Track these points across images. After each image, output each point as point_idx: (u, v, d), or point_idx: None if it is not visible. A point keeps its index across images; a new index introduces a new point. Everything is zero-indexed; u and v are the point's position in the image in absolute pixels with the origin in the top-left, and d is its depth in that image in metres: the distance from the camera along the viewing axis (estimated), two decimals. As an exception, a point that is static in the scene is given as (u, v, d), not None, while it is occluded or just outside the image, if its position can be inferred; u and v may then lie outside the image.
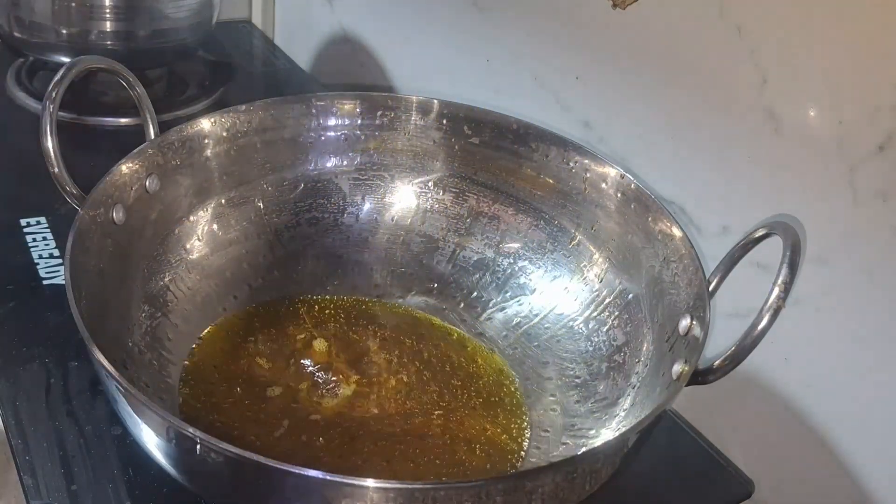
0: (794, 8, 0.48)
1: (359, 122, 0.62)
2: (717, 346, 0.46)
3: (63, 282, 0.43)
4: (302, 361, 0.54)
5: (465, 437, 0.50)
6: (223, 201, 0.58)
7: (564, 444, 0.50)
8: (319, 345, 0.55)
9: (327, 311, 0.59)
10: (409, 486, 0.36)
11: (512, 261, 0.60)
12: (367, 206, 0.63)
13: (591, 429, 0.50)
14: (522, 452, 0.50)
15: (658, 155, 0.59)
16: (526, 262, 0.59)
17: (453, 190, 0.62)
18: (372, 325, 0.58)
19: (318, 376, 0.53)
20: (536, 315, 0.58)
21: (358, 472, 0.47)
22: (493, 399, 0.53)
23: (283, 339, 0.56)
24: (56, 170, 0.49)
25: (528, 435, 0.51)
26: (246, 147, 0.59)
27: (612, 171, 0.55)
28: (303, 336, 0.56)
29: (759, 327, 0.41)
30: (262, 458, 0.34)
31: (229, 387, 0.52)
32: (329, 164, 0.62)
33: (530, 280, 0.59)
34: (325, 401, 0.51)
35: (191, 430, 0.35)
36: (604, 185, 0.56)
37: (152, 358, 0.50)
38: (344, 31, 0.94)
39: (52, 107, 0.48)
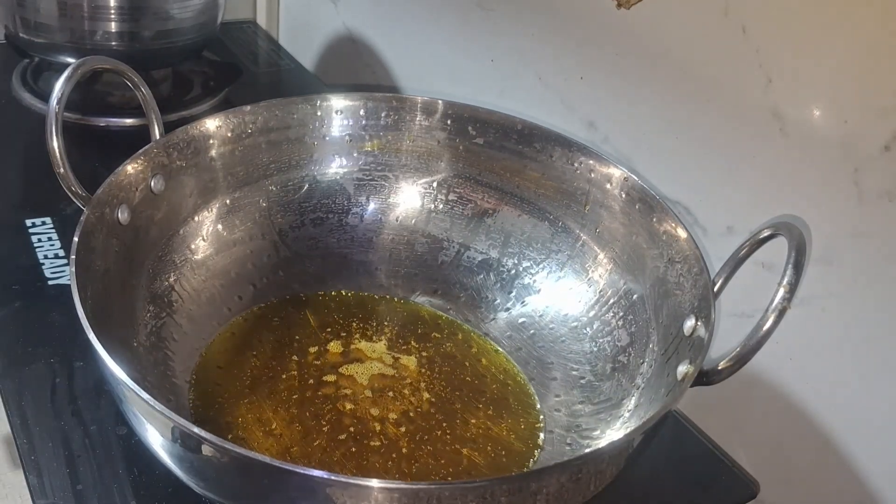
0: (799, 8, 0.48)
1: (363, 122, 0.62)
2: (722, 346, 0.46)
3: (68, 282, 0.43)
4: (306, 361, 0.54)
5: (471, 437, 0.50)
6: (228, 202, 0.58)
7: (569, 444, 0.50)
8: (324, 344, 0.56)
9: (331, 311, 0.59)
10: (414, 487, 0.36)
11: (516, 261, 0.60)
12: (371, 207, 0.63)
13: (596, 429, 0.50)
14: (528, 453, 0.50)
15: (663, 155, 0.59)
16: (530, 263, 0.59)
17: (457, 190, 0.62)
18: (377, 324, 0.58)
19: (323, 376, 0.53)
20: (541, 316, 0.58)
21: (363, 472, 0.47)
22: (498, 399, 0.53)
23: (287, 338, 0.56)
24: (61, 170, 0.49)
25: (534, 435, 0.51)
26: (251, 147, 0.59)
27: (616, 172, 0.55)
28: (307, 336, 0.56)
29: (765, 328, 0.41)
30: (266, 459, 0.34)
31: (234, 387, 0.52)
32: (333, 165, 0.62)
33: (535, 281, 0.59)
34: (329, 400, 0.51)
35: (196, 430, 0.35)
36: (608, 186, 0.56)
37: (157, 358, 0.50)
38: (348, 31, 0.94)
39: (57, 107, 0.48)
